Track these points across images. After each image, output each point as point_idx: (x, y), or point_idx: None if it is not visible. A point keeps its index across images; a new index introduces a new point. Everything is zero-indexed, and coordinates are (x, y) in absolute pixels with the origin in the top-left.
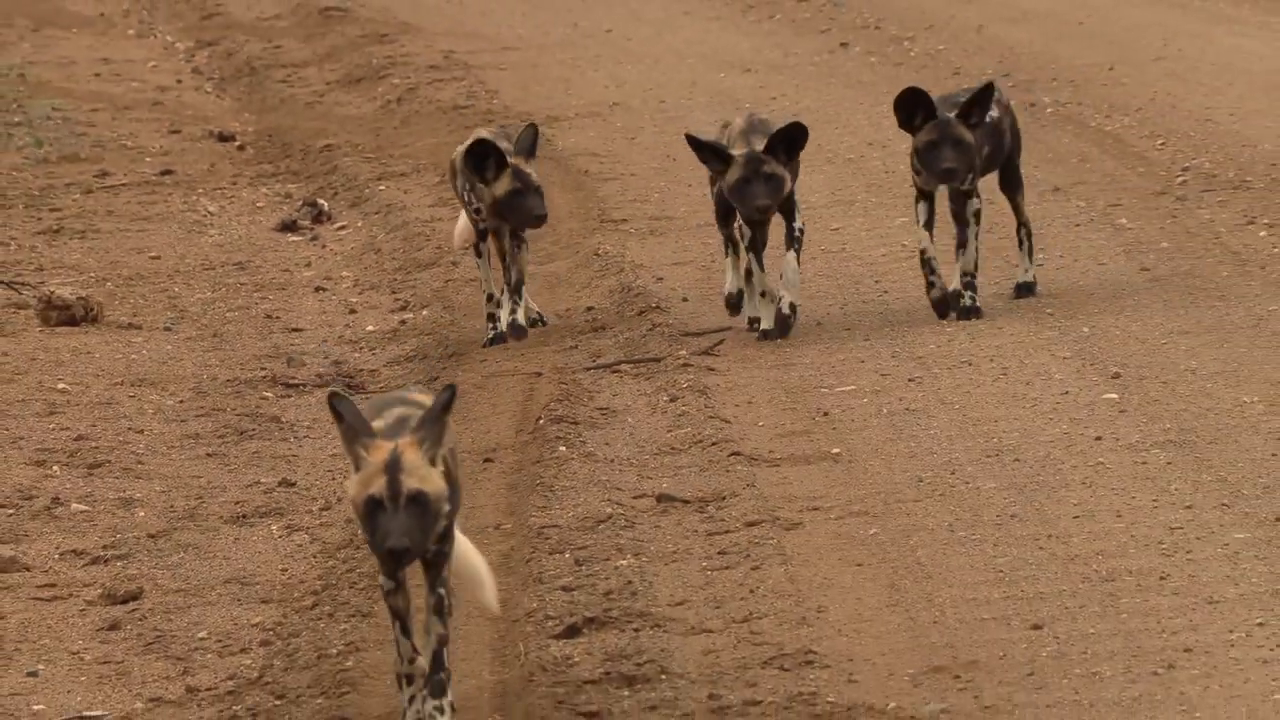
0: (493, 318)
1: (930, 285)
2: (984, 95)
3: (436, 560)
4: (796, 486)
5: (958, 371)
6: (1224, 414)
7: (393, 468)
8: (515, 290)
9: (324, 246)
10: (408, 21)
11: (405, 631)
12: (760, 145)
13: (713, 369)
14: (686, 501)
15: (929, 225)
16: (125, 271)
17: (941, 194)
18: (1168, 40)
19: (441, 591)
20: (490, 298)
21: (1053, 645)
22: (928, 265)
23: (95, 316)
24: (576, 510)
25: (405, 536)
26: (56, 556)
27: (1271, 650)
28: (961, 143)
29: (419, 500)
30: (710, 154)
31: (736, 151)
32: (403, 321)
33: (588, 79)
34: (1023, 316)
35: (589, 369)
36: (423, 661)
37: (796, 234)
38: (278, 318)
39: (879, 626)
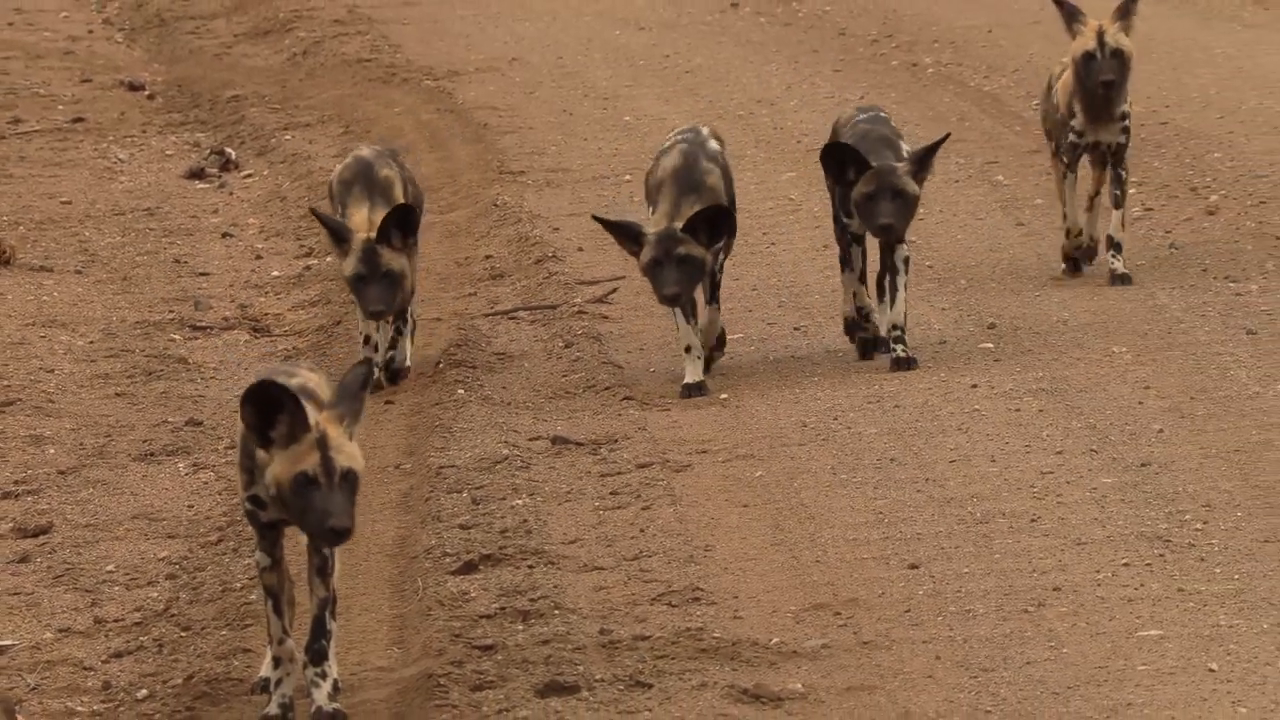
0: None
1: (861, 329)
2: (932, 151)
3: None
4: (686, 430)
5: (840, 321)
6: (1094, 364)
7: (323, 444)
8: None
9: (231, 194)
10: None
11: (278, 611)
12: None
13: (606, 316)
14: (580, 444)
15: (863, 277)
16: (37, 215)
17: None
18: (1044, 4)
19: (326, 553)
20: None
21: (929, 584)
22: (864, 315)
23: (7, 259)
24: (474, 451)
25: (346, 515)
26: None
27: (1135, 589)
28: (903, 194)
29: (349, 478)
30: (622, 234)
31: (650, 230)
32: (307, 267)
33: (488, 34)
34: None
35: (487, 315)
36: (291, 644)
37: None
38: (186, 262)
39: (763, 565)
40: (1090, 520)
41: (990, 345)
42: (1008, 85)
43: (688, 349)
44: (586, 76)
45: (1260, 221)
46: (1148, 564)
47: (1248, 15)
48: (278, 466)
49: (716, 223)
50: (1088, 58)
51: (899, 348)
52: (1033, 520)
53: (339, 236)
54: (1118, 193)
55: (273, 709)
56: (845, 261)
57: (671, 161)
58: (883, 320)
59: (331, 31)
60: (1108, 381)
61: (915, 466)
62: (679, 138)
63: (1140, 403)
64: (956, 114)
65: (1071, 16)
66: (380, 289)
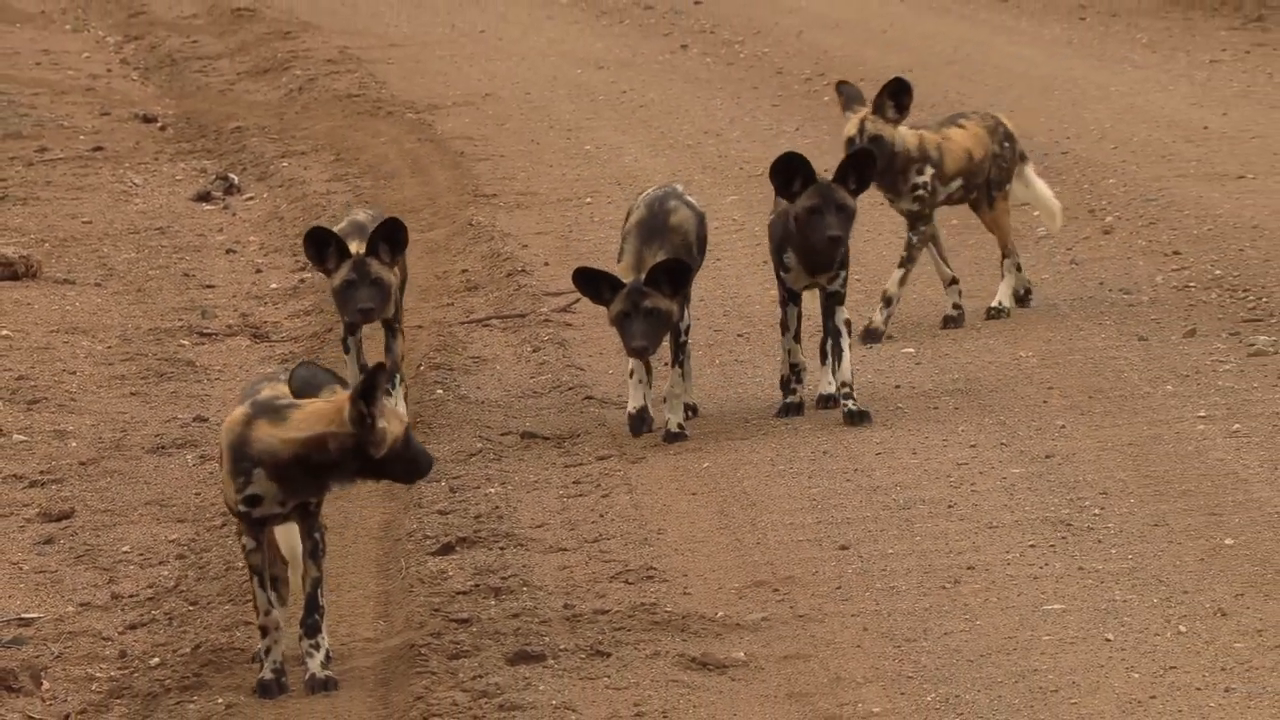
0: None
1: (791, 391)
2: (861, 161)
3: (313, 511)
4: None
5: (779, 329)
6: (1003, 367)
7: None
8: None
9: (234, 215)
10: (308, 20)
11: (263, 586)
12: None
13: (570, 324)
14: (546, 438)
15: (798, 337)
16: (61, 234)
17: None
18: (957, 47)
19: (316, 536)
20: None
21: (857, 563)
22: (796, 373)
23: (35, 273)
24: (452, 445)
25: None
26: None
27: (1041, 568)
28: (845, 208)
29: None
30: (603, 285)
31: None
32: (302, 280)
33: (463, 72)
34: None
35: (463, 323)
36: (277, 614)
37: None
38: (193, 276)
39: (710, 546)
40: (1000, 506)
41: (911, 350)
42: (926, 120)
43: (666, 399)
44: (552, 110)
45: (1150, 240)
46: (1051, 545)
47: (1138, 58)
48: (393, 427)
49: (676, 274)
50: (849, 142)
51: (849, 403)
52: (949, 506)
53: (341, 253)
54: (904, 254)
55: (266, 674)
56: (783, 324)
57: (638, 214)
58: (833, 381)
59: (324, 70)
60: (1016, 383)
61: (845, 458)
62: (654, 191)
63: (1045, 401)
64: None
65: (848, 103)
66: (369, 291)
